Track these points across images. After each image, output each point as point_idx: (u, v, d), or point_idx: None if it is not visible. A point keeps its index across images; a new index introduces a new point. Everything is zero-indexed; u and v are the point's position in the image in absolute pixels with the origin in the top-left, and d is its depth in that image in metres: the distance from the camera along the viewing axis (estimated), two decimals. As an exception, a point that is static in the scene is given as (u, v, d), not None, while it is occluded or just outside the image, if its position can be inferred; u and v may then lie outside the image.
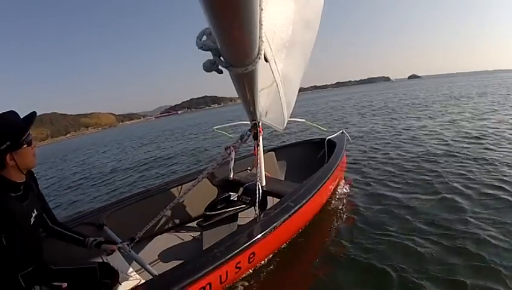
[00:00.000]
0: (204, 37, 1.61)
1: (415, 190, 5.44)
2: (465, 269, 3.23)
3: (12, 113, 2.12)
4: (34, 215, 2.22)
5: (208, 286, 2.66)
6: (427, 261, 3.42)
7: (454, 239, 3.76)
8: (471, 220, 4.13)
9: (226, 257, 2.78)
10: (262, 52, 1.71)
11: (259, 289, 3.26)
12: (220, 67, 1.71)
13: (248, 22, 1.23)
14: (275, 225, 3.26)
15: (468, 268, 3.24)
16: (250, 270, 3.35)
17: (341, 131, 6.48)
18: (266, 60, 1.89)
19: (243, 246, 2.93)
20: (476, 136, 9.05)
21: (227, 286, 3.03)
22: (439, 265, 3.31)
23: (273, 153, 6.03)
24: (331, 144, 5.94)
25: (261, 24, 1.39)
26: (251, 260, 3.12)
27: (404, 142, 9.44)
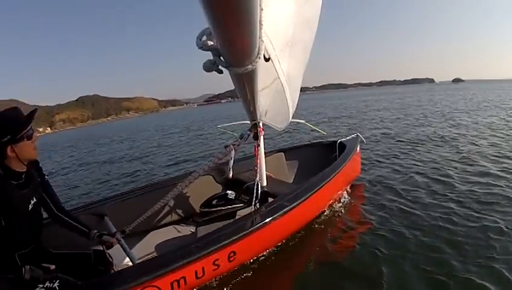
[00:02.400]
0: (204, 37, 1.61)
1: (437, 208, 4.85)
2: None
3: (14, 110, 2.38)
4: (32, 202, 2.45)
5: (182, 279, 2.72)
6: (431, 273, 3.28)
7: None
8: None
9: (203, 253, 2.82)
10: (262, 52, 1.72)
11: (238, 290, 3.23)
12: (220, 67, 1.72)
13: (248, 22, 1.23)
14: (260, 224, 3.24)
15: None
16: (232, 270, 3.31)
17: (356, 134, 6.33)
18: (266, 59, 1.88)
19: (221, 244, 2.94)
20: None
21: (204, 283, 3.04)
22: (447, 279, 3.18)
23: (282, 153, 5.94)
24: (343, 147, 5.81)
25: (261, 24, 1.39)
26: (231, 259, 3.10)
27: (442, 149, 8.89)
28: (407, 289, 3.12)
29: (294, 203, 3.59)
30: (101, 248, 2.88)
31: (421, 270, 3.31)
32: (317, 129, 7.18)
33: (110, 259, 2.89)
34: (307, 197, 3.80)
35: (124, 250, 3.14)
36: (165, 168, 10.79)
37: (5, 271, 2.25)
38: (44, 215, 2.68)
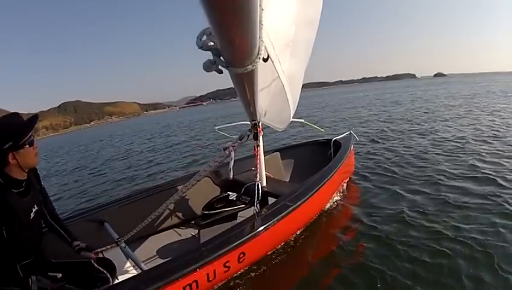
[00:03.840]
0: (205, 37, 1.58)
1: (427, 196, 5.12)
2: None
3: (15, 115, 2.32)
4: (34, 210, 2.37)
5: (195, 283, 2.68)
6: (430, 270, 3.30)
7: (461, 249, 3.60)
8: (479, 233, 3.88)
9: (214, 255, 2.79)
10: (262, 53, 1.70)
11: (249, 290, 3.25)
12: (220, 67, 1.70)
13: (248, 22, 1.21)
14: (267, 224, 3.25)
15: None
16: (241, 271, 3.31)
17: (349, 132, 6.38)
18: (266, 60, 1.87)
19: (232, 245, 2.93)
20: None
21: (216, 285, 3.03)
22: (443, 273, 3.22)
23: (278, 153, 5.97)
24: (338, 145, 5.85)
25: (261, 24, 1.37)
26: (241, 259, 3.10)
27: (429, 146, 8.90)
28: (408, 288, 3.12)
29: (299, 203, 3.62)
30: (102, 254, 2.82)
31: (420, 270, 3.31)
32: (316, 127, 7.15)
33: (112, 266, 2.83)
34: (310, 196, 3.83)
35: (130, 257, 3.12)
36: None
37: (7, 284, 2.17)
38: None
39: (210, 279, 2.83)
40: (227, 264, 2.96)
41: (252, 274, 3.37)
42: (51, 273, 2.36)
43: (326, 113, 23.32)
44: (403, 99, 28.91)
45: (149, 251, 3.92)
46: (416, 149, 8.54)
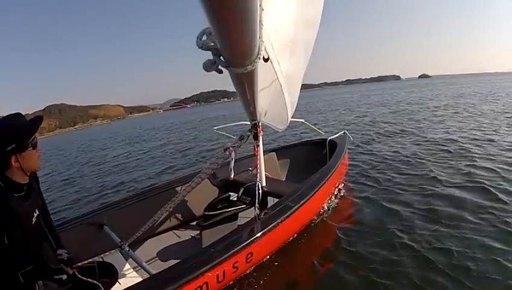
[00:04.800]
0: (205, 37, 1.59)
1: (418, 192, 5.39)
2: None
3: (18, 116, 2.16)
4: (35, 215, 2.25)
5: (205, 285, 2.68)
6: (428, 268, 3.37)
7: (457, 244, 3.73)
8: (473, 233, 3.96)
9: (224, 257, 2.80)
10: (262, 53, 1.70)
11: (256, 289, 3.27)
12: (220, 67, 1.70)
13: (248, 22, 1.22)
14: (273, 224, 3.27)
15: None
16: (248, 271, 3.35)
17: (343, 131, 6.46)
18: (266, 60, 1.87)
19: (240, 246, 2.94)
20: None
21: (224, 285, 3.03)
22: (442, 272, 3.27)
23: (274, 153, 6.00)
24: (333, 144, 5.93)
25: (261, 24, 1.38)
26: (249, 260, 3.13)
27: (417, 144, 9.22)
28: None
29: (302, 202, 3.68)
30: (101, 258, 2.74)
31: (421, 270, 3.36)
32: (316, 129, 7.21)
33: (114, 271, 2.75)
34: (312, 195, 3.89)
35: (135, 261, 3.10)
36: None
37: None
38: None
39: (220, 280, 2.84)
40: (235, 265, 2.98)
41: (256, 274, 3.42)
42: (56, 276, 2.29)
43: (312, 115, 23.30)
44: (386, 101, 29.43)
45: (150, 253, 3.90)
46: (396, 147, 8.98)
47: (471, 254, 3.50)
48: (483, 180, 5.55)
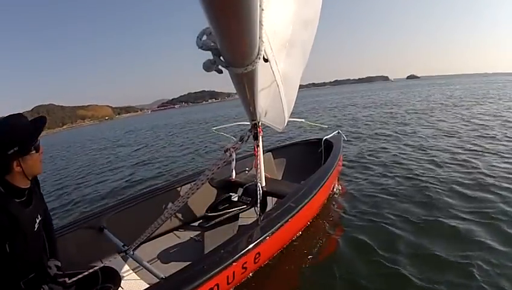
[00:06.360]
0: (205, 37, 1.58)
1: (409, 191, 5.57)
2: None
3: (20, 117, 2.05)
4: (38, 221, 2.15)
5: (216, 287, 2.69)
6: (425, 268, 3.43)
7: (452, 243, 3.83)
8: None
9: (234, 258, 2.82)
10: (262, 53, 1.69)
11: (264, 289, 3.34)
12: (219, 67, 1.68)
13: (248, 22, 1.21)
14: (279, 224, 3.31)
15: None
16: (255, 271, 3.37)
17: (337, 131, 6.53)
18: (266, 60, 1.87)
19: (249, 247, 2.97)
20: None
21: (233, 286, 3.05)
22: (439, 270, 3.34)
23: (270, 153, 6.05)
24: (328, 144, 5.99)
25: (261, 24, 1.37)
26: (257, 260, 3.16)
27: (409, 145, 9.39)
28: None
29: (305, 201, 3.74)
30: (102, 263, 2.68)
31: (421, 269, 3.42)
32: (318, 125, 7.40)
33: (116, 275, 2.69)
34: (314, 195, 3.95)
35: (143, 266, 3.05)
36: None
37: None
38: None
39: (229, 281, 2.85)
40: (245, 265, 3.00)
41: (265, 272, 3.47)
42: (59, 279, 2.23)
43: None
44: (374, 101, 30.04)
45: (153, 256, 3.88)
46: (377, 146, 9.45)
47: (469, 252, 3.60)
48: (484, 180, 5.75)
